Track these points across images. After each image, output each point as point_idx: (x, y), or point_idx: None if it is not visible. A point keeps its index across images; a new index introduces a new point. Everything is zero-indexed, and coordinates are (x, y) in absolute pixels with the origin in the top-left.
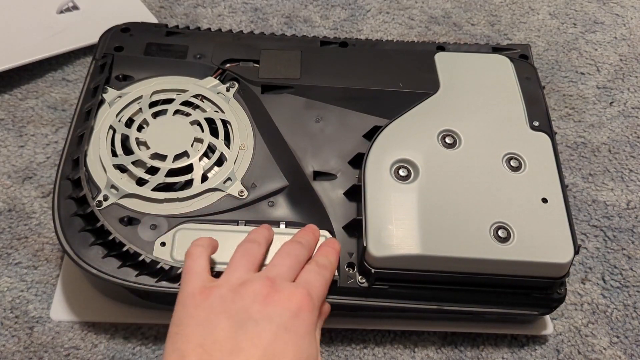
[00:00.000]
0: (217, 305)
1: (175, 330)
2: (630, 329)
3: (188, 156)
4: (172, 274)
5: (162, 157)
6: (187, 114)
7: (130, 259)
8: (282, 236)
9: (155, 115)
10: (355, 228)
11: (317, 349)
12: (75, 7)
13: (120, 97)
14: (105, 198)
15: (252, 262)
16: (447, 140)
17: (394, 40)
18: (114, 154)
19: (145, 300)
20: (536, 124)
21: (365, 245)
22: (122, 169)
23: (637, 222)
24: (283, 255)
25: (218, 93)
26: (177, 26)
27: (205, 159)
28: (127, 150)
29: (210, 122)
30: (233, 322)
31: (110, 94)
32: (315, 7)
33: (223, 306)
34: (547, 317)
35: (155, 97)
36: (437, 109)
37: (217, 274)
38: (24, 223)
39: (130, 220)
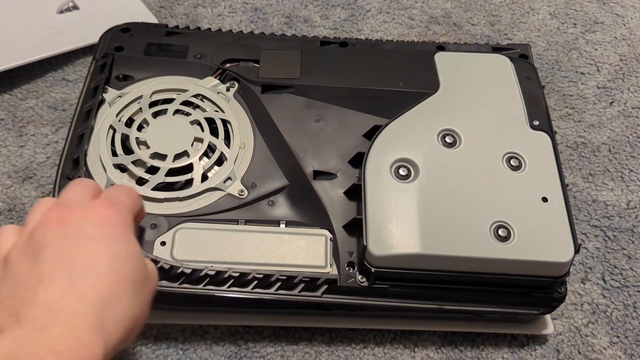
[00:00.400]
0: (15, 257)
1: None
2: (630, 329)
3: (188, 156)
4: (172, 273)
5: (162, 157)
6: (187, 114)
7: None
8: (281, 235)
9: (155, 115)
10: (356, 227)
11: (139, 250)
12: (75, 7)
13: (120, 96)
14: None
15: (41, 210)
16: (447, 139)
17: (394, 40)
18: (114, 154)
19: None
20: (536, 123)
21: (365, 244)
22: (122, 168)
23: (637, 222)
24: (69, 186)
25: (218, 93)
26: (177, 26)
27: (205, 158)
28: (127, 150)
29: (211, 121)
30: (31, 260)
31: (110, 93)
32: (315, 7)
33: (21, 254)
34: (548, 316)
35: (155, 97)
36: (437, 109)
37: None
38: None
39: None
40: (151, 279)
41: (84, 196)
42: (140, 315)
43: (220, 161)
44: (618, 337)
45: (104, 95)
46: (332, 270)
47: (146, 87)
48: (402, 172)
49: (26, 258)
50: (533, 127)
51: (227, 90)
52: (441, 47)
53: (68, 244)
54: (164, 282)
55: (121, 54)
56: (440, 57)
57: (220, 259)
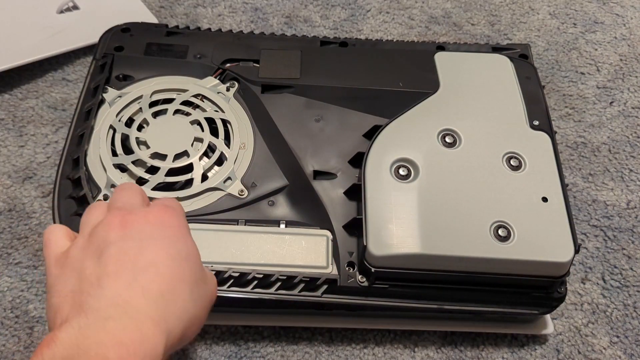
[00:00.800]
0: (78, 255)
1: (49, 294)
2: (630, 329)
3: (188, 155)
4: None
5: (162, 157)
6: (187, 114)
7: None
8: (282, 236)
9: (155, 114)
10: (356, 227)
11: (197, 252)
12: (75, 7)
13: (120, 96)
14: (106, 197)
15: (99, 213)
16: (447, 139)
17: (394, 40)
18: (114, 154)
19: None
20: (536, 123)
21: (365, 244)
22: (122, 168)
23: (637, 222)
24: (121, 191)
25: (218, 93)
26: (177, 26)
27: (205, 158)
28: (127, 150)
29: (211, 121)
30: (95, 258)
31: (111, 93)
32: (315, 7)
33: (83, 253)
34: (547, 316)
35: (156, 97)
36: (437, 109)
37: None
38: (24, 223)
39: None
40: (209, 283)
41: (138, 201)
42: (197, 317)
43: (220, 161)
44: (618, 337)
45: (104, 95)
46: (332, 270)
47: (146, 87)
48: (402, 172)
49: (90, 256)
50: (533, 127)
51: (227, 90)
52: (441, 47)
53: (130, 244)
54: None
55: (121, 54)
56: (440, 57)
57: (221, 259)
